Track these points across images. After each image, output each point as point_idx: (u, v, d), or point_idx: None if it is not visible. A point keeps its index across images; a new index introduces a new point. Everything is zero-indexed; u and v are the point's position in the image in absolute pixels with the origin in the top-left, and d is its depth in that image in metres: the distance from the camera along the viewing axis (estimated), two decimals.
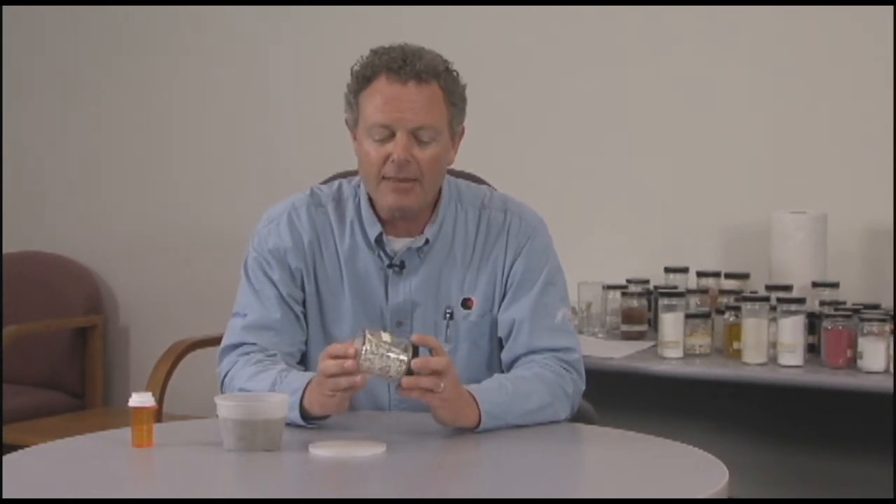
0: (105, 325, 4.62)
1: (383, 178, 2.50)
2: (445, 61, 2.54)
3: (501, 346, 2.61)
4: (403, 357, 2.28)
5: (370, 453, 2.25)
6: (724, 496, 2.09)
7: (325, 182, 2.79)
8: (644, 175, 3.92)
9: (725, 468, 2.18)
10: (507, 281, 2.59)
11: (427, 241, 2.57)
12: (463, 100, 2.57)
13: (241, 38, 4.47)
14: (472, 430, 2.40)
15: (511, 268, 2.59)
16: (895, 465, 3.44)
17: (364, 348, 2.27)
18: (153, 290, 4.63)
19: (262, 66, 4.44)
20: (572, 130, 4.01)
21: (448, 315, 2.59)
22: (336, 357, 2.31)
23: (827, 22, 3.69)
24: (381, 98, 2.48)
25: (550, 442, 2.44)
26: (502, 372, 2.59)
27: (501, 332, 2.60)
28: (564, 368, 2.56)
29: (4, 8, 4.75)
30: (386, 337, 2.30)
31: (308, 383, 2.39)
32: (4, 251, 4.73)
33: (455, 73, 2.55)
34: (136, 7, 4.59)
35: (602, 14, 3.93)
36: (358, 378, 2.29)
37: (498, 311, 2.59)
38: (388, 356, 2.28)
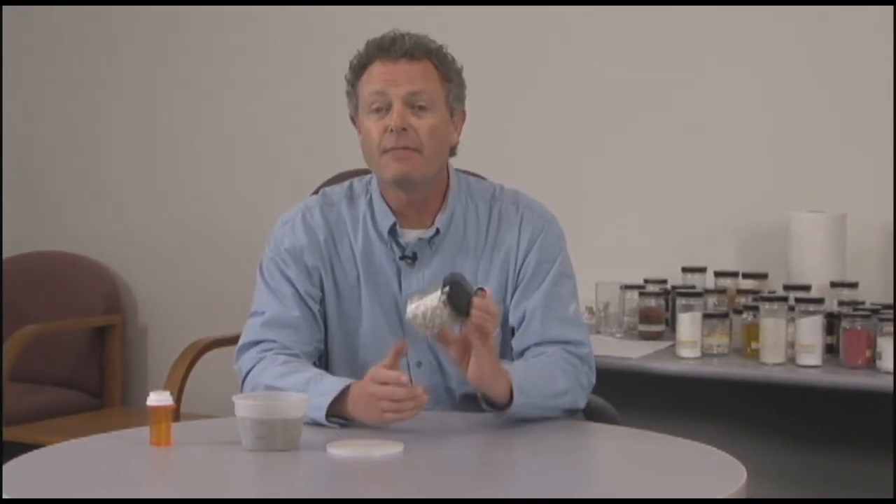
0: (123, 325, 4.63)
1: (384, 151, 2.52)
2: (437, 43, 2.58)
3: (513, 335, 2.62)
4: (441, 300, 2.32)
5: (388, 453, 2.25)
6: (743, 496, 2.09)
7: (332, 181, 2.80)
8: (662, 175, 3.91)
9: (744, 468, 2.18)
10: (519, 272, 2.60)
11: (438, 232, 2.58)
12: (459, 77, 2.60)
13: (255, 39, 4.48)
14: (502, 408, 2.41)
15: (524, 260, 2.60)
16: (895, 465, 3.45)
17: (411, 310, 2.34)
18: (171, 290, 4.65)
19: (277, 68, 4.44)
20: (588, 130, 4.01)
21: None
22: (385, 383, 2.34)
23: (845, 21, 3.68)
24: (376, 75, 2.54)
25: (568, 440, 2.44)
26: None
27: (513, 322, 2.61)
28: (579, 360, 2.57)
29: (21, 8, 4.78)
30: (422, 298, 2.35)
31: (344, 390, 2.40)
32: (24, 251, 4.76)
33: (449, 55, 2.59)
34: (152, 7, 4.61)
35: (620, 13, 3.92)
36: (423, 404, 2.35)
37: (511, 301, 2.60)
38: (431, 310, 2.33)
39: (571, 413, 2.56)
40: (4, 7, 4.77)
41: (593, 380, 2.61)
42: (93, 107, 4.76)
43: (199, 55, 4.59)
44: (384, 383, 2.35)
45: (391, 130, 2.51)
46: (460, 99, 2.60)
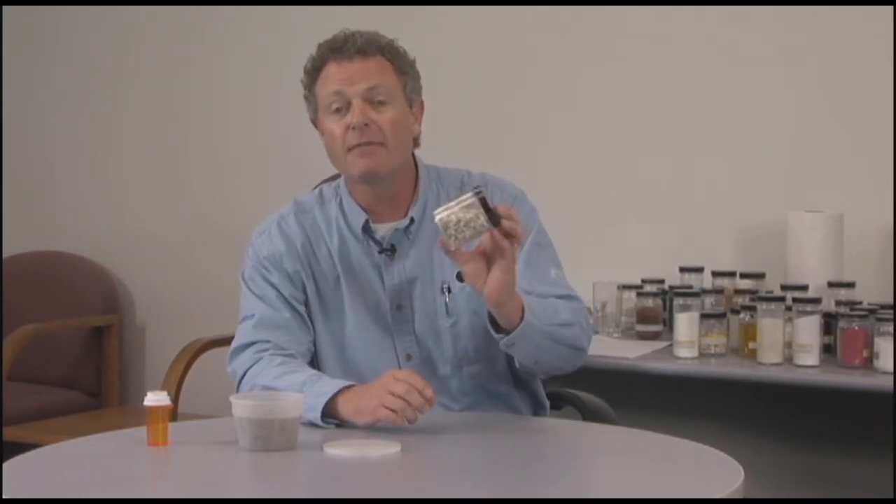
0: (121, 325, 4.63)
1: (348, 149, 2.54)
2: (388, 38, 2.61)
3: None
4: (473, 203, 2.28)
5: (385, 453, 2.25)
6: (740, 496, 2.09)
7: (330, 181, 2.82)
8: (659, 174, 3.92)
9: (741, 468, 2.18)
10: None
11: (412, 221, 2.59)
12: (414, 68, 2.62)
13: (254, 38, 4.48)
14: (508, 332, 2.41)
15: None
16: (894, 465, 3.44)
17: (442, 217, 2.30)
18: (169, 290, 4.65)
19: (277, 66, 4.44)
20: (587, 129, 4.01)
21: (446, 290, 2.60)
22: (405, 381, 2.34)
23: (845, 21, 3.69)
24: (332, 76, 2.57)
25: (565, 440, 2.45)
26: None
27: None
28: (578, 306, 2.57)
29: (21, 8, 4.78)
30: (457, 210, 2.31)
31: (340, 391, 2.40)
32: (22, 251, 4.76)
33: (401, 48, 2.61)
34: (152, 7, 4.61)
35: (619, 12, 3.92)
36: (426, 410, 2.35)
37: None
38: (465, 218, 2.29)
39: (576, 353, 2.54)
40: (4, 7, 4.78)
41: (591, 332, 2.59)
42: (92, 107, 4.76)
43: (199, 56, 4.59)
44: (405, 381, 2.35)
45: (353, 128, 2.53)
46: (417, 90, 2.62)
